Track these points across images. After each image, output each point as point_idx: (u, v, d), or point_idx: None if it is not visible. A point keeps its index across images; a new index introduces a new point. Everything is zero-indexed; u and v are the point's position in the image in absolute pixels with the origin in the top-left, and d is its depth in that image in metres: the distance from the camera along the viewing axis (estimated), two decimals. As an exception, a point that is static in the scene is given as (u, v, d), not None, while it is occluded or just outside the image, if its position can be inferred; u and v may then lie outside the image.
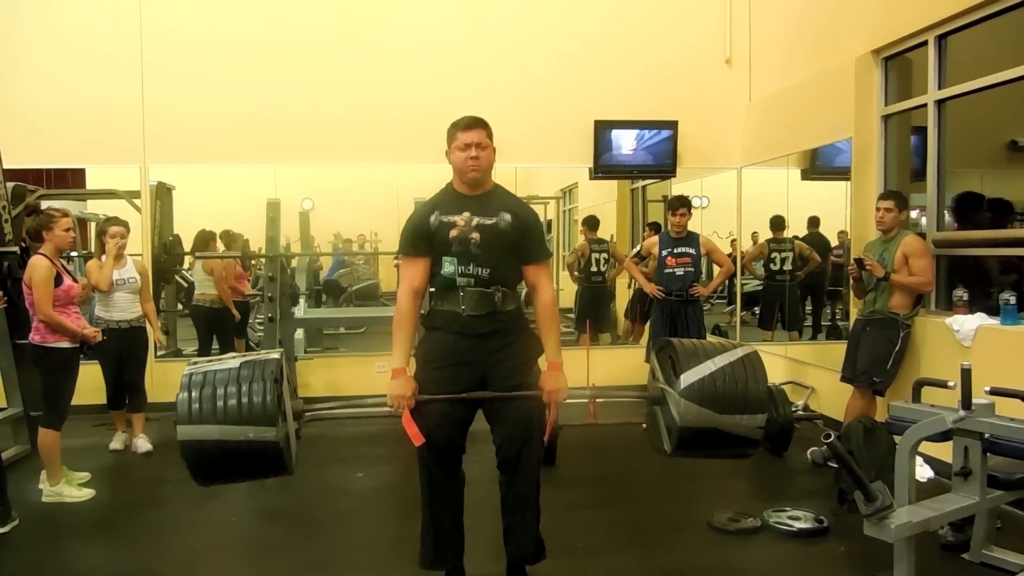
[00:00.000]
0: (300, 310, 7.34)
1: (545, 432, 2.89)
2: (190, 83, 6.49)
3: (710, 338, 5.47)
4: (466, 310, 2.82)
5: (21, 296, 4.39)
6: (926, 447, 3.58)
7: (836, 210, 6.26)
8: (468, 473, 2.97)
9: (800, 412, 5.62)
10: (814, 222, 7.42)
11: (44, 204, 5.78)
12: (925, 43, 4.76)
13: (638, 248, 7.10)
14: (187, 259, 7.59)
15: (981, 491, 2.91)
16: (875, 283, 4.58)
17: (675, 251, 5.63)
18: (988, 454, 2.91)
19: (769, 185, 7.28)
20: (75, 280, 4.47)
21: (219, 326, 6.87)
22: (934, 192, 4.76)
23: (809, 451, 4.85)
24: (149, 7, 6.44)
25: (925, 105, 4.78)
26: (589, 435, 5.43)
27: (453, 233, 2.81)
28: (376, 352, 6.71)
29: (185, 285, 7.64)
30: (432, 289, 2.94)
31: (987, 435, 2.87)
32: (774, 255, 7.25)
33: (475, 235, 2.81)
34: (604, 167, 6.92)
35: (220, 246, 7.23)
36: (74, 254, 7.40)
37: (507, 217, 2.86)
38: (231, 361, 2.64)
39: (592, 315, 7.55)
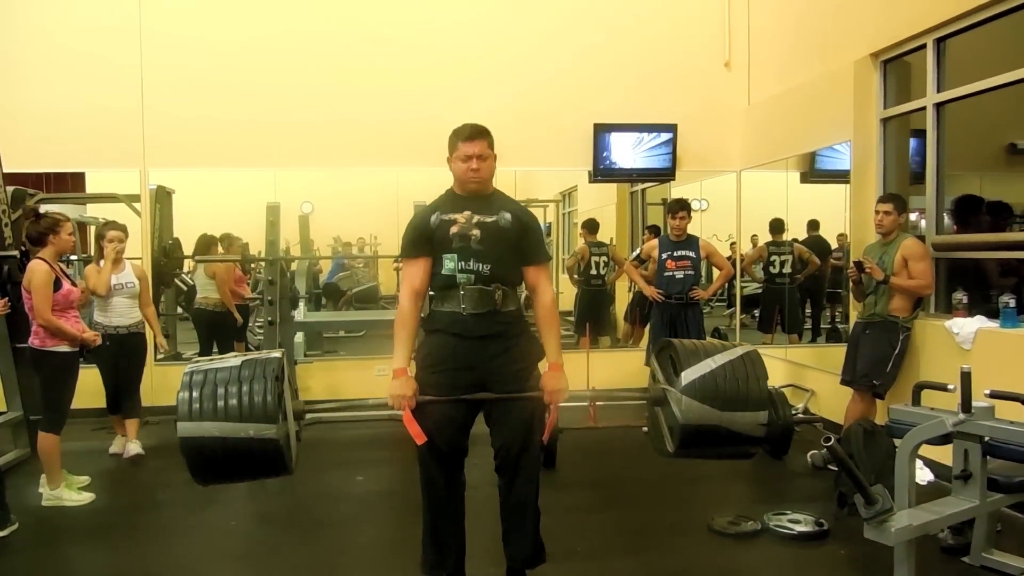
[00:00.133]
0: (300, 313, 7.33)
1: (545, 433, 2.89)
2: (190, 87, 6.50)
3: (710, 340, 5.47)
4: (466, 309, 2.82)
5: (20, 300, 4.39)
6: (926, 450, 3.58)
7: (835, 213, 6.27)
8: (468, 476, 2.97)
9: (800, 415, 5.63)
10: (814, 225, 7.43)
11: (43, 208, 5.77)
12: (924, 46, 4.77)
13: (638, 251, 7.10)
14: (187, 263, 7.59)
15: (981, 494, 2.91)
16: (875, 286, 4.58)
17: (675, 254, 5.63)
18: (988, 457, 2.91)
19: (768, 188, 7.29)
20: (74, 284, 4.47)
21: (221, 330, 6.86)
22: (933, 195, 4.76)
23: (809, 454, 4.84)
24: (149, 12, 6.45)
25: (924, 108, 4.79)
26: (589, 438, 5.43)
27: (454, 230, 2.83)
28: (376, 355, 6.71)
29: (185, 288, 7.64)
30: (432, 292, 2.94)
31: (987, 438, 2.87)
32: (773, 258, 7.25)
33: (476, 231, 2.83)
34: (603, 170, 6.93)
35: (221, 251, 7.23)
36: (73, 258, 7.41)
37: (507, 216, 2.88)
38: (232, 360, 2.65)
39: (592, 318, 7.56)
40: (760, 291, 7.55)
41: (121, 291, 4.97)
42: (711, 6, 7.02)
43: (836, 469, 4.08)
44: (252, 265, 7.90)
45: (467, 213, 2.85)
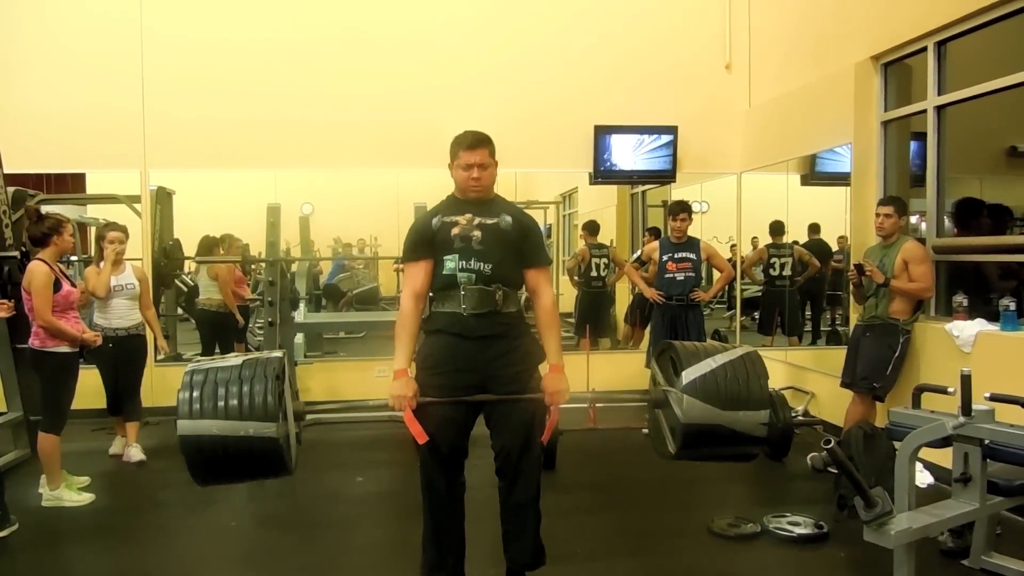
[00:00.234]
0: (300, 314, 7.34)
1: (545, 434, 2.89)
2: (191, 88, 6.50)
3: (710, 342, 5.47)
4: (467, 309, 2.83)
5: (20, 301, 4.39)
6: (926, 453, 3.58)
7: (836, 215, 6.27)
8: (468, 477, 2.97)
9: (800, 417, 5.63)
10: (815, 229, 7.43)
11: (44, 209, 5.77)
12: (925, 49, 4.77)
13: (638, 253, 7.11)
14: (188, 264, 7.60)
15: (981, 497, 2.91)
16: (875, 289, 4.59)
17: (676, 256, 5.63)
18: (988, 460, 2.91)
19: (769, 190, 7.29)
20: (73, 285, 4.47)
21: (223, 330, 6.87)
22: (934, 198, 4.76)
23: (809, 456, 4.84)
24: (149, 13, 6.45)
25: (925, 111, 4.79)
26: (589, 440, 5.43)
27: (455, 231, 2.85)
28: (376, 356, 6.71)
29: (185, 289, 7.64)
30: (432, 293, 2.94)
31: (987, 441, 2.87)
32: (774, 260, 7.25)
33: (477, 232, 2.85)
34: (604, 172, 6.93)
35: (222, 252, 7.24)
36: (74, 258, 7.41)
37: (508, 219, 2.90)
38: (233, 360, 2.66)
39: (592, 320, 7.57)
40: (760, 294, 7.55)
41: (121, 292, 4.95)
42: (712, 8, 7.03)
43: (836, 471, 4.07)
44: (252, 266, 7.90)
45: (468, 215, 2.87)
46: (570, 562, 3.39)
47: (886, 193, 5.09)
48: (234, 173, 7.05)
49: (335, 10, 6.69)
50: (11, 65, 6.37)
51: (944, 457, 3.53)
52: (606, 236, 8.09)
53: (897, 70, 5.17)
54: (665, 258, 5.67)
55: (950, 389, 2.96)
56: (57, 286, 4.25)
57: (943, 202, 4.81)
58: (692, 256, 5.64)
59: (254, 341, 7.64)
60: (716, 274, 6.02)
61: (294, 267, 8.14)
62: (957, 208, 5.05)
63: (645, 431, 4.79)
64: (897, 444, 3.05)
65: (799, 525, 3.75)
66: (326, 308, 9.64)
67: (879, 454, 3.59)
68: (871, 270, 4.53)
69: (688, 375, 2.77)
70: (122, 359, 4.99)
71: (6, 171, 5.20)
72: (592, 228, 7.83)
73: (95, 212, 7.95)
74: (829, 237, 7.17)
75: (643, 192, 8.68)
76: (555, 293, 3.10)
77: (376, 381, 5.90)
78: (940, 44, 4.68)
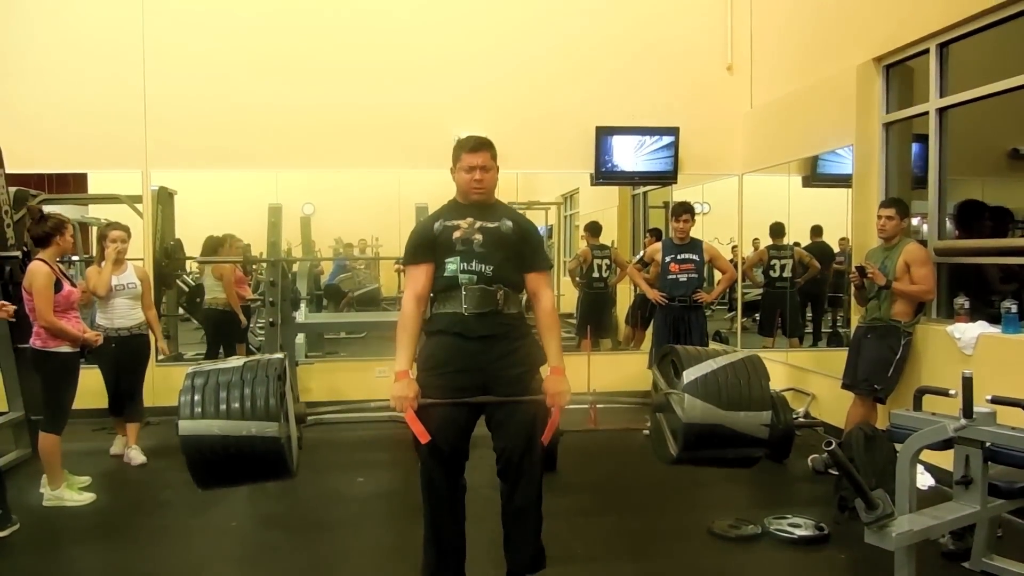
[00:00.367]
0: (301, 315, 7.33)
1: (546, 435, 2.89)
2: (192, 88, 6.51)
3: (712, 345, 5.47)
4: (468, 308, 2.84)
5: (22, 301, 4.39)
6: (927, 455, 3.58)
7: (837, 217, 6.26)
8: (468, 479, 2.97)
9: (801, 419, 5.63)
10: (817, 231, 7.43)
11: (45, 209, 5.78)
12: (927, 51, 4.77)
13: (641, 255, 7.11)
14: (189, 264, 7.59)
15: (982, 500, 2.91)
16: (877, 291, 4.58)
17: (679, 257, 5.63)
18: (989, 463, 2.91)
19: (770, 192, 7.29)
20: (73, 285, 4.48)
21: (228, 330, 6.87)
22: (935, 200, 4.76)
23: (810, 458, 4.84)
24: (151, 14, 6.45)
25: (926, 113, 4.78)
26: (590, 441, 5.43)
27: (457, 235, 2.88)
28: (377, 357, 6.71)
29: (187, 290, 7.64)
30: (433, 295, 2.94)
31: (988, 444, 2.87)
32: (774, 262, 7.25)
33: (478, 236, 2.88)
34: (605, 173, 6.93)
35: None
36: (75, 258, 7.41)
37: (508, 223, 2.93)
38: (234, 362, 2.68)
39: (593, 321, 7.57)
40: (760, 297, 7.54)
41: (122, 291, 4.95)
42: (714, 10, 7.03)
43: (837, 473, 4.07)
44: (253, 266, 7.91)
45: (470, 220, 2.90)
46: (570, 563, 3.39)
47: (888, 195, 5.08)
48: (235, 173, 7.05)
49: (336, 13, 6.69)
50: (13, 65, 6.37)
51: (945, 459, 3.52)
52: (607, 237, 8.08)
53: (899, 72, 5.17)
54: (668, 259, 5.66)
55: (951, 391, 2.96)
56: (58, 286, 4.25)
57: (945, 204, 4.80)
58: (695, 257, 5.63)
59: (255, 341, 7.63)
60: (717, 275, 6.02)
61: (295, 267, 8.14)
62: (959, 210, 5.05)
63: (646, 432, 4.79)
64: (898, 446, 3.05)
65: (800, 527, 3.74)
66: (327, 308, 9.64)
67: (880, 456, 3.59)
68: (873, 272, 4.53)
69: (689, 375, 2.78)
70: (124, 359, 4.99)
71: (8, 171, 5.21)
72: (594, 229, 7.83)
73: (96, 212, 7.95)
74: (831, 239, 7.17)
75: (644, 193, 8.68)
76: (556, 294, 3.10)
77: (377, 381, 5.90)
78: (942, 46, 4.67)
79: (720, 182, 7.44)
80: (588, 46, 6.92)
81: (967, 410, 2.82)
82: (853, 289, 4.83)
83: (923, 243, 4.73)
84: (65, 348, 4.28)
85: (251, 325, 7.71)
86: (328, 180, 7.83)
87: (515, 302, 2.93)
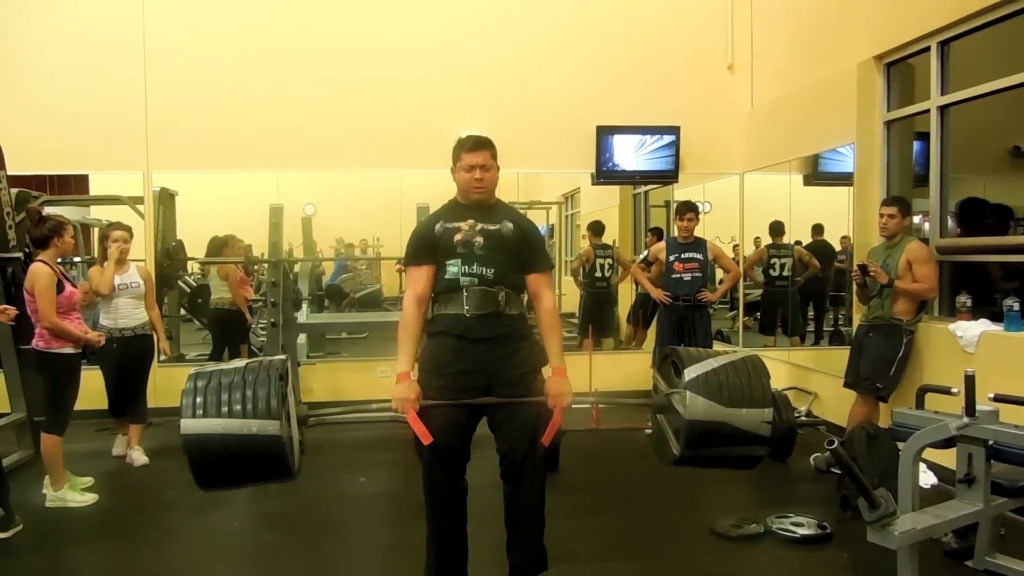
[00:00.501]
0: (303, 315, 7.34)
1: (547, 435, 2.88)
2: (193, 90, 6.52)
3: (715, 345, 5.47)
4: (469, 310, 2.84)
5: (23, 302, 4.40)
6: (930, 454, 3.57)
7: (839, 216, 6.26)
8: (470, 479, 2.97)
9: (803, 418, 5.62)
10: (818, 230, 7.41)
11: (46, 210, 5.79)
12: (928, 49, 4.76)
13: (645, 254, 7.10)
14: (191, 265, 7.59)
15: (985, 498, 2.90)
16: (879, 289, 4.58)
17: (683, 256, 5.63)
18: (992, 461, 2.91)
19: (772, 190, 7.28)
20: (74, 286, 4.48)
21: (233, 329, 6.88)
22: (937, 198, 4.76)
23: (812, 457, 4.84)
24: (152, 15, 6.46)
25: (928, 111, 4.78)
26: (591, 440, 5.43)
27: (458, 237, 2.87)
28: (379, 357, 6.70)
29: (188, 291, 7.64)
30: (435, 296, 2.94)
31: (991, 442, 2.87)
32: (774, 260, 7.24)
33: (479, 238, 2.87)
34: (606, 173, 6.93)
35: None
36: (77, 259, 7.42)
37: (509, 225, 2.92)
38: (237, 363, 2.68)
39: (595, 320, 7.56)
40: (760, 297, 7.54)
41: (126, 291, 4.95)
42: (714, 9, 7.03)
43: (839, 472, 4.07)
44: (255, 267, 7.91)
45: (471, 221, 2.89)
46: (572, 563, 3.39)
47: (889, 193, 5.08)
48: (237, 174, 7.06)
49: (338, 14, 6.69)
50: (14, 67, 6.39)
51: (948, 458, 3.52)
52: (608, 236, 8.08)
53: (900, 70, 5.16)
54: (672, 258, 5.66)
55: (954, 390, 2.96)
56: (59, 288, 4.25)
57: (946, 202, 4.80)
58: (699, 256, 5.63)
59: (257, 342, 7.64)
60: (720, 274, 6.01)
61: (297, 268, 8.14)
62: (960, 208, 5.04)
63: (647, 431, 4.79)
64: (901, 445, 3.05)
65: (802, 526, 3.74)
66: (329, 309, 9.65)
67: (883, 455, 3.59)
68: (875, 270, 4.53)
69: (690, 372, 2.78)
70: (128, 360, 4.99)
71: (9, 172, 5.21)
72: (596, 229, 7.83)
73: (98, 213, 7.95)
74: (832, 237, 7.16)
75: (645, 192, 8.68)
76: (557, 294, 3.10)
77: (379, 381, 5.89)
78: (943, 44, 4.67)
79: (721, 181, 7.43)
80: (589, 46, 6.92)
81: (970, 408, 2.82)
82: (855, 288, 4.83)
83: (925, 241, 4.73)
84: (67, 349, 4.28)
85: (253, 325, 7.71)
86: (329, 180, 7.83)
87: (517, 303, 2.93)
